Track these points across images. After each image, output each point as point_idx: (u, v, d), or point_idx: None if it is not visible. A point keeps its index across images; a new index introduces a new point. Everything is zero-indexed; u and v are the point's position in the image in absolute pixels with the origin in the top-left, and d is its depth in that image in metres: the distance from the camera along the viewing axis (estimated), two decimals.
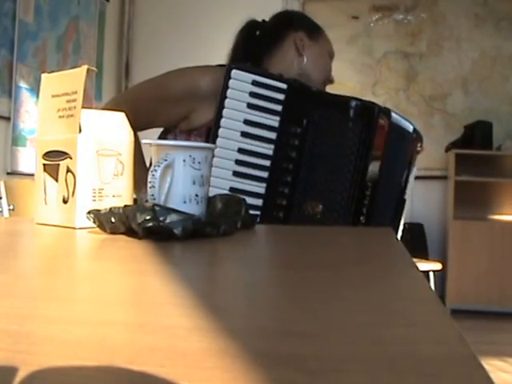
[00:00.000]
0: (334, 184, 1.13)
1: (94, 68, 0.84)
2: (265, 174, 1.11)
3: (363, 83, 3.98)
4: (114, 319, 0.29)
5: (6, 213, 1.76)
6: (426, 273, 3.06)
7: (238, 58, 1.33)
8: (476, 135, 3.63)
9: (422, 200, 3.96)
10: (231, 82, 1.10)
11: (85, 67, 0.80)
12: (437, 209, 3.95)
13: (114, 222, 0.68)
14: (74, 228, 0.76)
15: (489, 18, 3.86)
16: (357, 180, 1.13)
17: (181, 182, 0.75)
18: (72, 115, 0.79)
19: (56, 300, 0.34)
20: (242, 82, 1.11)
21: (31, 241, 0.70)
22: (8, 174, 2.99)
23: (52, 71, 0.87)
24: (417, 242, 3.77)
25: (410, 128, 1.24)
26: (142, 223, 0.64)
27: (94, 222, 0.71)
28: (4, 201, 1.77)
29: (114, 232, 0.69)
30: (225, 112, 1.10)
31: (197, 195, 0.76)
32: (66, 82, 0.82)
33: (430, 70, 3.93)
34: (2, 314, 0.30)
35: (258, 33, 1.35)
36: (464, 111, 3.87)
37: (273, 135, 1.12)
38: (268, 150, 1.11)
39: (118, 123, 0.84)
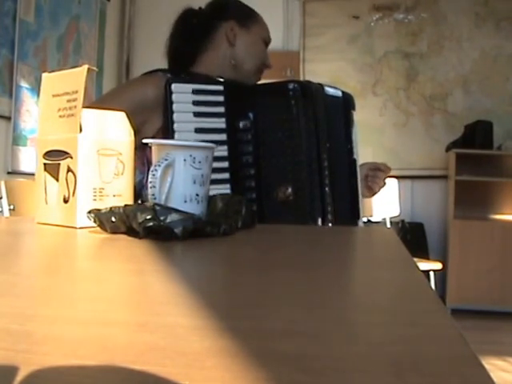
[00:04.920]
0: (294, 164, 1.17)
1: (94, 67, 0.84)
2: (226, 175, 1.15)
3: (364, 83, 3.98)
4: (114, 319, 0.29)
5: (6, 212, 1.76)
6: (427, 272, 3.06)
7: (174, 48, 1.35)
8: (476, 135, 3.63)
9: (423, 200, 3.96)
10: (174, 96, 1.14)
11: (85, 67, 0.80)
12: (437, 208, 3.94)
13: (114, 222, 0.68)
14: (75, 227, 0.76)
15: (489, 18, 3.85)
16: (313, 154, 1.18)
17: (181, 182, 0.75)
18: (73, 115, 0.79)
19: (56, 299, 0.34)
20: (183, 93, 1.15)
21: (32, 240, 0.70)
22: (8, 173, 2.99)
23: (53, 71, 0.87)
24: (417, 241, 3.77)
25: (339, 93, 1.29)
26: (142, 223, 0.64)
27: (95, 222, 0.71)
28: (4, 200, 1.77)
29: (114, 231, 0.69)
30: (176, 126, 1.13)
31: (197, 195, 0.76)
32: (67, 81, 0.82)
33: (431, 69, 3.93)
34: (3, 313, 0.30)
35: (194, 21, 1.36)
36: (464, 111, 3.87)
37: (223, 137, 1.16)
38: (223, 151, 1.15)
39: (118, 123, 0.84)
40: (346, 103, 1.30)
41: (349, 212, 1.27)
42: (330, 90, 1.26)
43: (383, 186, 1.44)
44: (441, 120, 3.92)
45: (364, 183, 1.40)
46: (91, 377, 0.21)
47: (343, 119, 1.29)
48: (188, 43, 1.34)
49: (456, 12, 3.89)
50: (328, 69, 3.99)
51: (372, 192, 1.44)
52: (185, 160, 0.74)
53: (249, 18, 1.36)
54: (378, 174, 1.43)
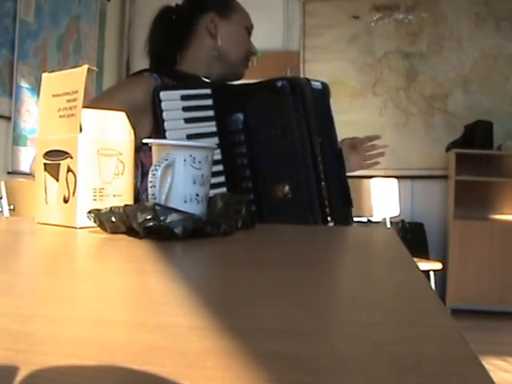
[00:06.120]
0: (289, 161, 1.16)
1: (94, 67, 0.84)
2: (222, 179, 1.15)
3: (364, 83, 3.98)
4: (114, 319, 0.29)
5: (6, 212, 1.76)
6: (427, 272, 3.06)
7: (156, 48, 1.33)
8: (476, 135, 3.63)
9: (423, 200, 3.96)
10: (163, 104, 1.13)
11: (85, 67, 0.80)
12: (437, 208, 3.94)
13: (114, 222, 0.68)
14: (75, 227, 0.76)
15: (489, 18, 3.85)
16: (307, 150, 1.17)
17: (181, 182, 0.75)
18: (73, 115, 0.79)
19: (57, 299, 0.34)
20: (172, 100, 1.14)
21: (32, 240, 0.70)
22: (9, 173, 2.99)
23: (53, 71, 0.87)
24: (417, 241, 3.77)
25: (320, 85, 1.28)
26: (142, 223, 0.64)
27: (95, 222, 0.71)
28: (4, 200, 1.77)
29: (114, 231, 0.69)
30: (168, 134, 1.13)
31: (197, 195, 0.76)
32: (67, 81, 0.82)
33: (431, 69, 3.93)
34: (3, 313, 0.30)
35: (174, 17, 1.34)
36: (464, 111, 3.87)
37: (216, 140, 1.16)
38: (216, 155, 1.14)
39: (118, 123, 0.84)
40: (326, 94, 1.30)
41: (342, 201, 1.27)
42: (315, 84, 1.25)
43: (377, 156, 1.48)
44: (441, 120, 3.92)
45: (348, 158, 1.42)
46: (91, 377, 0.21)
47: (327, 110, 1.29)
48: (170, 41, 1.32)
49: (456, 12, 3.89)
50: (328, 69, 3.99)
51: (364, 167, 1.48)
52: (185, 160, 0.75)
53: (228, 7, 1.34)
54: (367, 148, 1.46)
